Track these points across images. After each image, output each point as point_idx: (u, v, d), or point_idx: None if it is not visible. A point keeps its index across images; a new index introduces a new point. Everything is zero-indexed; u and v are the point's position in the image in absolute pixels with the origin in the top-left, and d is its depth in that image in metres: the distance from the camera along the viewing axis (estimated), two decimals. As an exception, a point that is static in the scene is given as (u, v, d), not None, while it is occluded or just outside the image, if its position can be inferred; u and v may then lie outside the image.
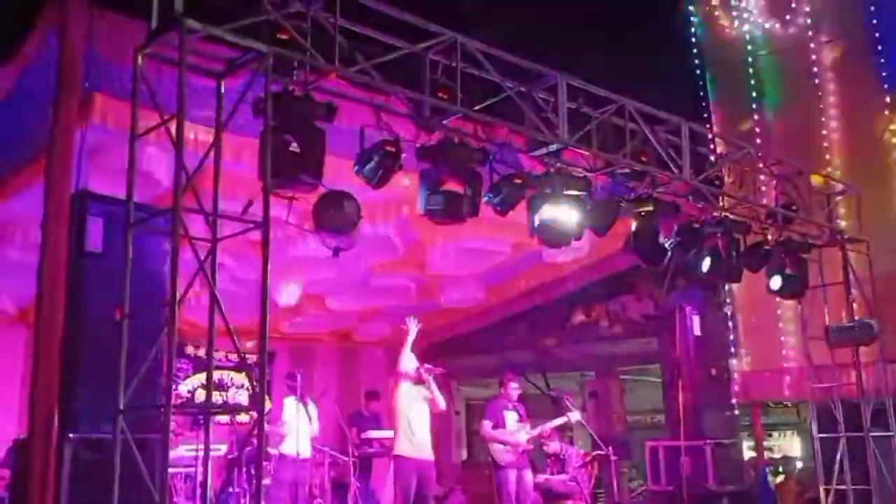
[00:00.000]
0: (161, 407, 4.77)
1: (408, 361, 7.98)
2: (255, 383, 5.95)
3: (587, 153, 7.14)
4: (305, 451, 9.14)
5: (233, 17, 5.19)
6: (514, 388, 9.16)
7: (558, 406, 9.90)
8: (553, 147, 6.87)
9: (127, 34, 5.62)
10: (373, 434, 10.37)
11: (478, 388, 16.85)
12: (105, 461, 4.79)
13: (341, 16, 5.68)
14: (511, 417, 9.06)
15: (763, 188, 9.28)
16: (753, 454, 12.23)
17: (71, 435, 5.46)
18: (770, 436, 15.52)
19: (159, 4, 5.00)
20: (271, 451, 9.03)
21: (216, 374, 11.09)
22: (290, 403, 9.20)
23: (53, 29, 5.27)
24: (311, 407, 9.40)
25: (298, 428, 8.99)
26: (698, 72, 12.51)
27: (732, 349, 11.53)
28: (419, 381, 8.01)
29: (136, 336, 5.12)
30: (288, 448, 8.94)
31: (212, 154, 4.96)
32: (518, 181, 6.80)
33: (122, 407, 4.86)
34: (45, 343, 5.51)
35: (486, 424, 9.01)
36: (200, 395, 11.68)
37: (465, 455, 14.72)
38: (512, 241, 9.78)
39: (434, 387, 8.04)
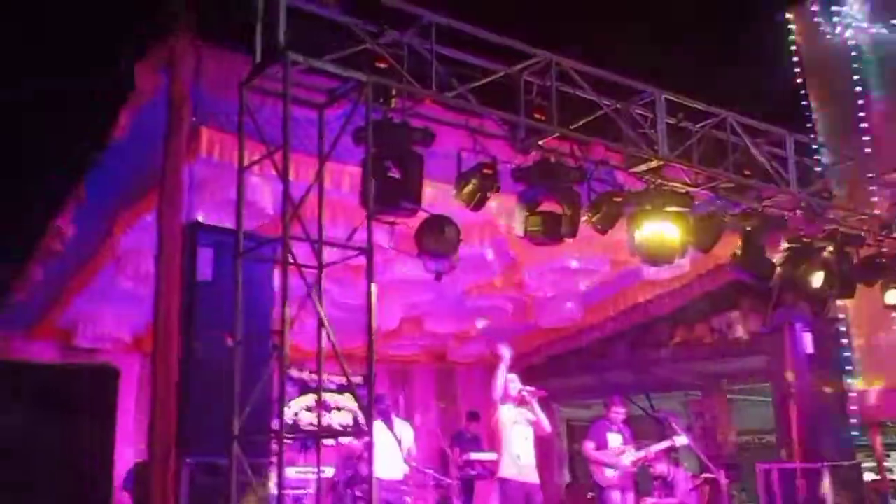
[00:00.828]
0: (274, 433, 4.87)
1: (505, 385, 7.92)
2: (359, 405, 6.02)
3: (688, 168, 7.00)
4: (394, 474, 9.13)
5: (332, 47, 5.33)
6: (617, 412, 9.00)
7: (664, 428, 9.67)
8: (652, 163, 6.76)
9: (230, 68, 5.81)
10: (475, 456, 10.32)
11: (578, 409, 16.62)
12: (221, 484, 4.91)
13: (436, 42, 5.75)
14: (615, 440, 8.91)
15: (875, 199, 8.89)
16: (875, 477, 11.63)
17: (188, 460, 5.62)
18: (888, 456, 14.74)
19: (263, 39, 5.17)
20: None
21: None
22: (375, 425, 9.20)
23: (163, 66, 5.50)
24: (403, 428, 9.39)
25: (387, 450, 8.99)
26: (800, 81, 12.11)
27: (847, 367, 11.03)
28: (522, 403, 7.95)
29: (246, 361, 5.28)
30: (376, 471, 8.94)
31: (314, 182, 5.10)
32: (617, 199, 6.71)
33: (236, 433, 4.99)
34: (162, 370, 5.71)
35: (589, 445, 8.89)
36: (304, 418, 11.88)
37: (567, 477, 14.52)
38: (611, 260, 9.64)
39: (538, 409, 7.96)
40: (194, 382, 5.97)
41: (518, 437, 7.81)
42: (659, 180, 6.97)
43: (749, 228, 7.34)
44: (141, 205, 7.17)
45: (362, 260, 5.19)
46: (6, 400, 4.84)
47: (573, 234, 6.43)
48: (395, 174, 5.56)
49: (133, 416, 10.11)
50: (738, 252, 7.43)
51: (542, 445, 9.00)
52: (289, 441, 8.81)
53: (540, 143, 6.35)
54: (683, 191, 7.07)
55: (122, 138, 6.55)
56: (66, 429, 4.99)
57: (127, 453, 9.06)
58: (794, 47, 12.25)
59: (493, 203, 7.17)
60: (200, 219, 6.61)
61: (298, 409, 11.97)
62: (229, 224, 6.73)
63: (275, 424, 5.74)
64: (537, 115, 6.18)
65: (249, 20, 5.09)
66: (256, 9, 5.10)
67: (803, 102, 11.87)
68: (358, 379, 11.19)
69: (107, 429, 5.28)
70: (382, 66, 5.43)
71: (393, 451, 9.10)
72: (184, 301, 5.90)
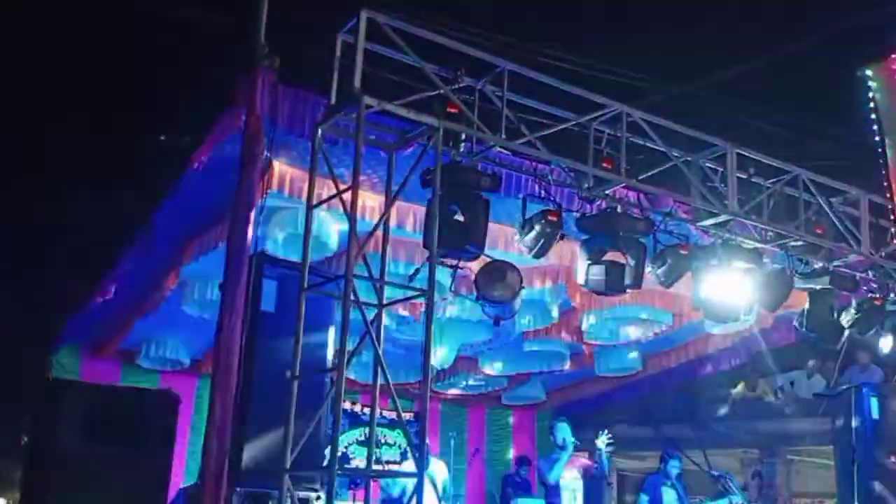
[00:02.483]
0: (324, 470, 4.88)
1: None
2: (409, 442, 6.01)
3: (758, 224, 6.87)
4: None
5: (405, 91, 5.41)
6: (674, 466, 8.81)
7: (720, 486, 9.41)
8: (721, 217, 6.66)
9: (305, 107, 5.95)
10: (522, 502, 10.18)
11: (631, 459, 16.27)
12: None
13: (508, 88, 5.79)
14: (669, 495, 8.72)
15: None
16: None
17: (238, 489, 5.66)
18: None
19: (338, 81, 5.28)
20: None
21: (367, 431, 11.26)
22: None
23: (243, 105, 5.65)
24: (437, 467, 9.26)
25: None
26: (877, 139, 11.79)
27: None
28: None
29: (301, 394, 5.33)
30: None
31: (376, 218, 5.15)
32: (683, 252, 6.63)
33: (287, 466, 5.02)
34: (220, 397, 5.77)
35: (643, 499, 8.71)
36: (353, 452, 11.90)
37: (616, 529, 14.20)
38: (674, 311, 9.49)
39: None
40: (250, 411, 6.03)
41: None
42: (727, 235, 6.86)
43: (818, 288, 7.16)
44: (211, 234, 7.33)
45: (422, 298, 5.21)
46: (69, 420, 4.95)
47: (637, 286, 6.36)
48: (460, 217, 5.59)
49: (187, 436, 10.25)
50: (807, 311, 7.24)
51: (594, 494, 8.86)
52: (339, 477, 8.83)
53: (607, 192, 6.32)
54: (752, 247, 6.94)
55: (199, 169, 6.72)
56: (126, 451, 5.07)
57: (176, 473, 9.18)
58: (872, 104, 11.97)
59: (555, 248, 7.17)
60: (266, 250, 6.75)
61: (351, 442, 11.99)
62: (293, 255, 6.88)
63: (326, 460, 5.76)
64: (605, 165, 6.16)
65: (326, 62, 5.20)
66: (334, 52, 5.21)
67: (880, 161, 11.56)
68: (409, 415, 11.19)
69: (165, 454, 5.35)
70: (453, 111, 5.48)
71: (428, 490, 9.00)
72: (246, 331, 5.99)
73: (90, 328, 9.92)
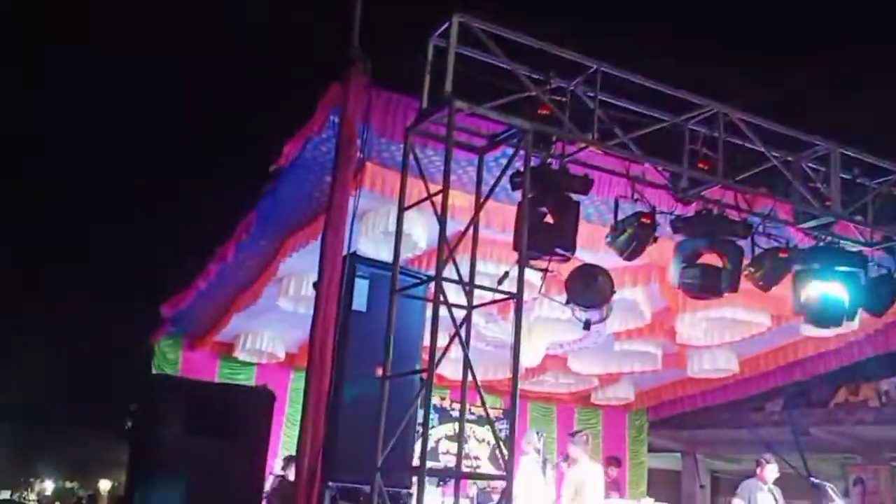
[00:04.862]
0: (416, 469, 4.95)
1: None
2: (498, 440, 6.03)
3: (862, 226, 6.60)
4: None
5: (496, 93, 5.41)
6: (771, 471, 8.59)
7: (819, 493, 9.11)
8: (823, 219, 6.42)
9: (397, 110, 6.02)
10: (612, 502, 10.07)
11: (726, 462, 15.91)
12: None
13: (600, 89, 5.72)
14: (765, 500, 8.51)
15: None
16: None
17: (331, 484, 5.78)
18: None
19: (430, 84, 5.32)
20: None
21: (457, 426, 11.31)
22: (528, 463, 9.14)
23: (336, 106, 5.76)
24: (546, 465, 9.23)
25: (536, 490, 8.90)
26: None
27: None
28: None
29: (392, 392, 5.42)
30: None
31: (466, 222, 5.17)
32: (783, 255, 6.41)
33: (379, 464, 5.11)
34: (314, 393, 5.91)
35: (738, 503, 8.54)
36: (443, 446, 12.00)
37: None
38: (772, 314, 9.20)
39: None
40: (343, 408, 6.16)
41: None
42: (829, 237, 6.61)
43: (928, 293, 6.82)
44: (307, 231, 7.51)
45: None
46: (168, 414, 5.16)
47: (733, 289, 6.19)
48: (550, 220, 5.56)
49: (282, 427, 10.55)
50: (915, 317, 6.92)
51: (688, 498, 8.68)
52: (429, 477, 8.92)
53: (703, 193, 6.17)
54: (856, 250, 6.67)
55: (295, 168, 6.89)
56: (223, 444, 5.25)
57: (270, 463, 9.46)
58: None
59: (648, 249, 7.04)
60: (358, 249, 6.86)
61: (440, 437, 12.09)
62: (383, 254, 6.98)
63: (416, 458, 5.83)
64: (701, 166, 6.02)
65: (418, 66, 5.25)
66: (426, 56, 5.25)
67: None
68: (497, 412, 11.20)
69: (260, 449, 5.51)
70: (544, 112, 5.45)
71: (537, 490, 8.96)
72: (338, 328, 6.12)
73: (191, 320, 10.31)
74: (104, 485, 33.12)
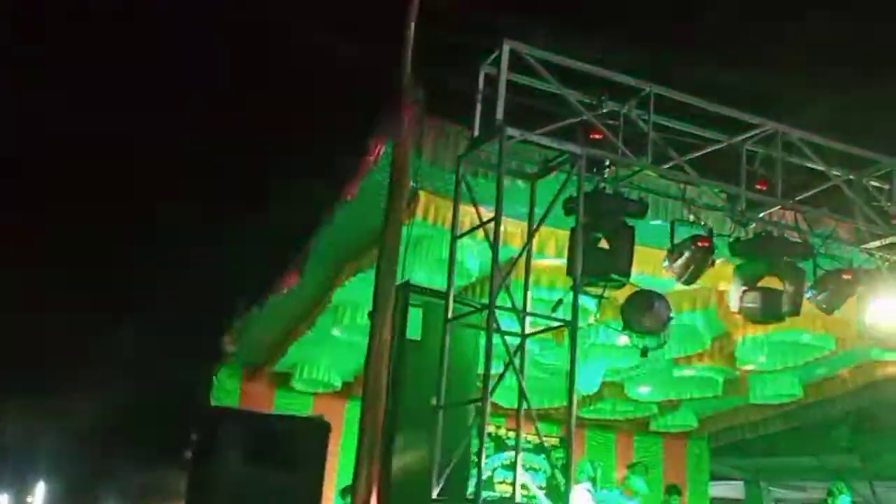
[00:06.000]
0: (471, 500, 4.89)
1: None
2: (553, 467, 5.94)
3: (930, 246, 6.38)
4: None
5: (547, 118, 5.39)
6: (844, 501, 8.32)
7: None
8: (888, 239, 6.23)
9: (448, 138, 6.03)
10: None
11: (790, 489, 15.45)
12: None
13: (653, 111, 5.66)
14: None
15: None
16: None
17: (386, 514, 5.74)
18: None
19: (481, 112, 5.33)
20: None
21: (513, 455, 11.18)
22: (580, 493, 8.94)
23: (390, 136, 5.80)
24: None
25: None
26: None
27: None
28: None
29: (447, 421, 5.38)
30: None
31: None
32: (846, 277, 6.23)
33: (434, 495, 5.06)
34: (370, 423, 5.91)
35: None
36: (498, 476, 11.86)
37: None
38: (836, 336, 8.93)
39: None
40: (397, 438, 6.13)
41: None
42: (894, 258, 6.41)
43: None
44: (361, 261, 7.55)
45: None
46: (227, 446, 5.20)
47: (795, 313, 6.03)
48: (604, 245, 5.49)
49: (337, 457, 10.53)
50: None
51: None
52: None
53: (761, 215, 6.04)
54: (924, 270, 6.45)
55: (351, 198, 6.95)
56: (280, 475, 5.28)
57: (327, 492, 9.43)
58: None
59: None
60: (411, 278, 6.86)
61: (495, 467, 11.97)
62: (436, 282, 6.96)
63: (471, 487, 5.77)
64: (759, 186, 5.90)
65: (470, 94, 5.26)
66: (477, 84, 5.26)
67: None
68: (554, 440, 11.03)
69: (316, 478, 5.52)
70: (597, 137, 5.40)
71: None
72: (393, 358, 6.11)
73: (248, 350, 10.42)
74: (161, 515, 33.50)
